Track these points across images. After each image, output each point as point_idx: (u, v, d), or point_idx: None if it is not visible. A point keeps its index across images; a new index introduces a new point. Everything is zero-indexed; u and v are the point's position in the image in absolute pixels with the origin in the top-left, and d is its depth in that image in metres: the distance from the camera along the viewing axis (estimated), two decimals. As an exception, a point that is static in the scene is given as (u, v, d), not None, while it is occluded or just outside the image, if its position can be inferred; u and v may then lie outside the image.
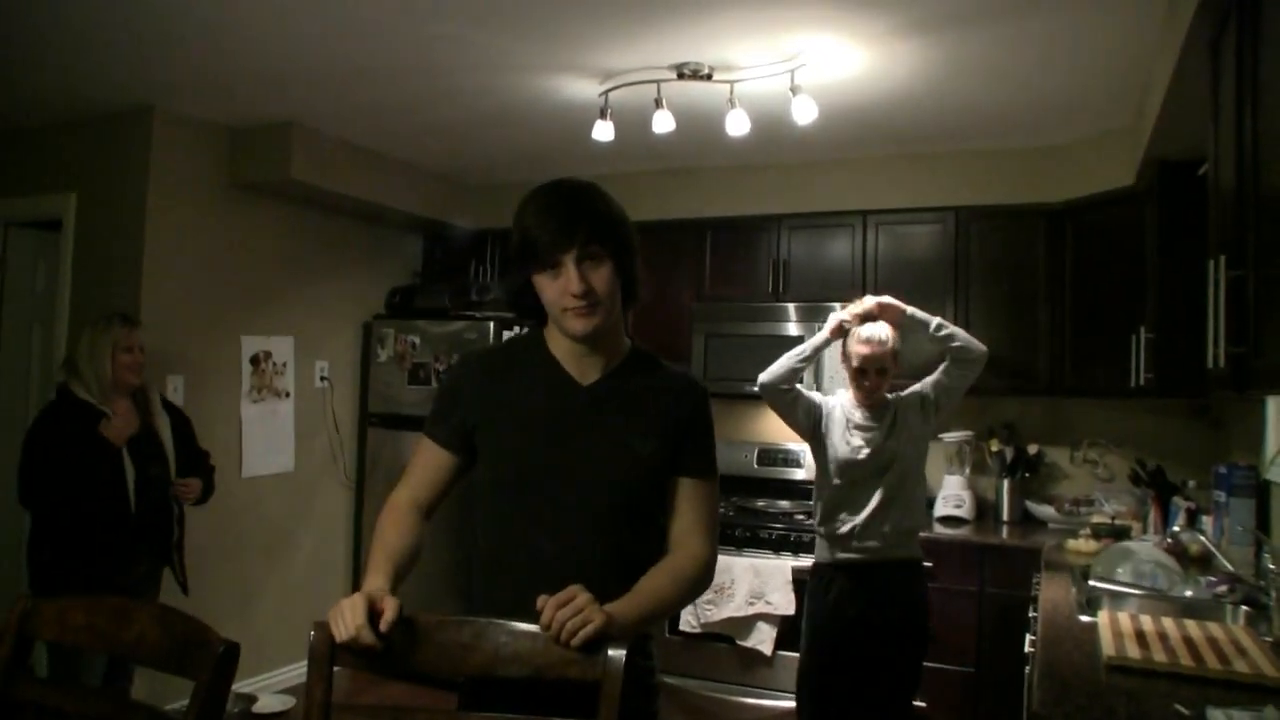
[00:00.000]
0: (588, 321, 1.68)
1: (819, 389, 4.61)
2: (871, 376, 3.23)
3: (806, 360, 3.28)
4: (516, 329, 4.73)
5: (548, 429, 1.75)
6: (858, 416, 3.29)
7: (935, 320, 3.25)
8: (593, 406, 1.76)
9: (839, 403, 3.35)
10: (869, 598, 3.23)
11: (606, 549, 1.70)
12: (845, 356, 3.29)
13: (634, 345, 1.85)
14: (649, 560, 1.72)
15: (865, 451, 3.23)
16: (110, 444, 3.31)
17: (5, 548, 4.11)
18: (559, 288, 1.67)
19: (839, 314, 3.31)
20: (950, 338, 3.24)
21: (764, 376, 3.32)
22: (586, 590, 1.49)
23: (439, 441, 1.82)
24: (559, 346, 1.80)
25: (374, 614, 1.45)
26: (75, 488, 3.26)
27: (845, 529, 3.22)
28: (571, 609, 1.45)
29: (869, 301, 3.29)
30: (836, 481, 3.26)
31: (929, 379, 3.34)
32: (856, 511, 3.22)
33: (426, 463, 1.83)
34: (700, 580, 1.76)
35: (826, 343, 3.31)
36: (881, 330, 3.21)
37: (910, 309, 3.27)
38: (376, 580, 1.56)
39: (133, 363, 3.43)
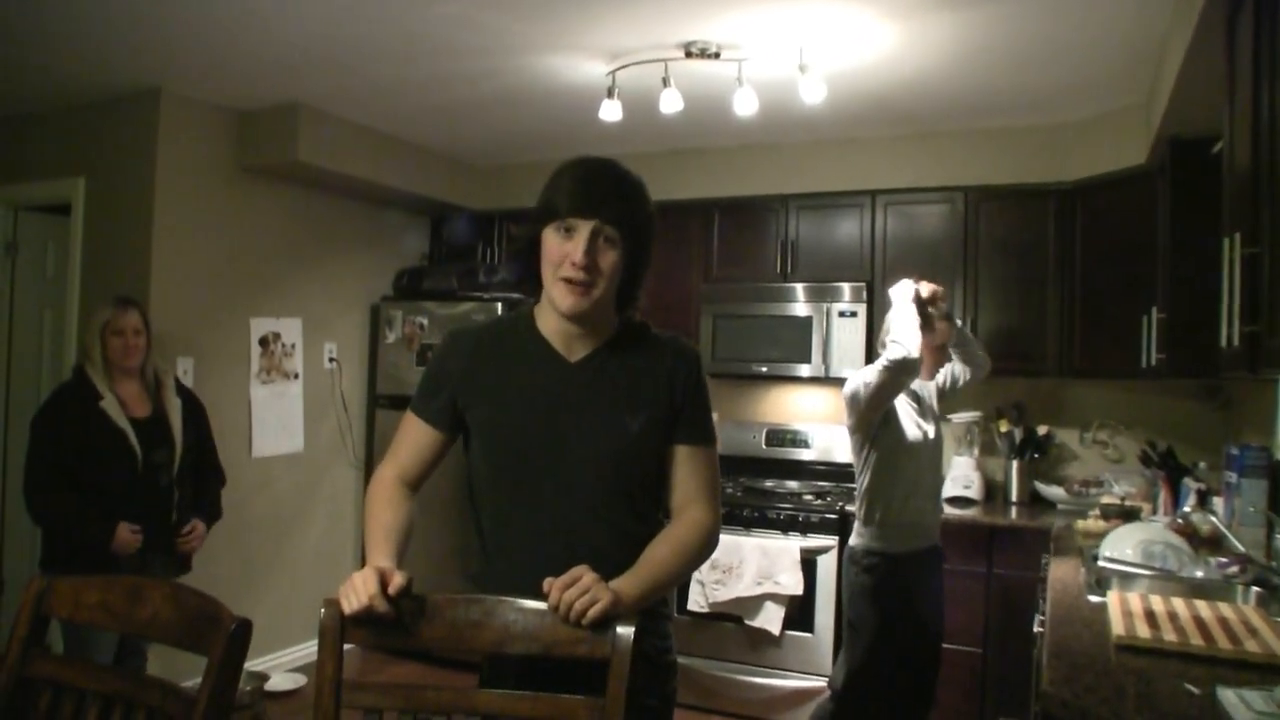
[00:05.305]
0: (579, 301, 1.67)
1: (827, 371, 4.61)
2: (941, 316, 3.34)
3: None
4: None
5: (538, 409, 1.74)
6: (911, 396, 3.29)
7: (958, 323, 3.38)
8: (582, 384, 1.75)
9: None
10: (929, 583, 3.25)
11: (606, 527, 1.71)
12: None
13: (624, 318, 1.83)
14: (649, 535, 1.72)
15: (933, 431, 3.24)
16: (113, 423, 3.31)
17: (25, 530, 4.11)
18: (563, 251, 1.66)
19: (906, 286, 3.18)
20: (968, 340, 3.42)
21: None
22: (591, 570, 1.49)
23: (427, 419, 1.82)
24: (548, 324, 1.78)
25: (385, 587, 1.48)
26: (77, 467, 3.26)
27: (916, 514, 3.22)
28: (578, 589, 1.46)
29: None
30: (904, 465, 3.23)
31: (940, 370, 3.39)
32: (927, 494, 3.23)
33: (414, 440, 1.83)
34: (704, 547, 1.76)
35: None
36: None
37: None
38: (381, 560, 1.58)
39: (123, 346, 3.38)
